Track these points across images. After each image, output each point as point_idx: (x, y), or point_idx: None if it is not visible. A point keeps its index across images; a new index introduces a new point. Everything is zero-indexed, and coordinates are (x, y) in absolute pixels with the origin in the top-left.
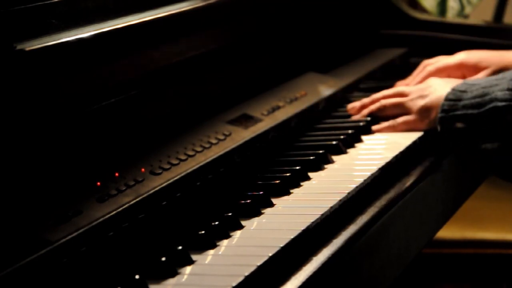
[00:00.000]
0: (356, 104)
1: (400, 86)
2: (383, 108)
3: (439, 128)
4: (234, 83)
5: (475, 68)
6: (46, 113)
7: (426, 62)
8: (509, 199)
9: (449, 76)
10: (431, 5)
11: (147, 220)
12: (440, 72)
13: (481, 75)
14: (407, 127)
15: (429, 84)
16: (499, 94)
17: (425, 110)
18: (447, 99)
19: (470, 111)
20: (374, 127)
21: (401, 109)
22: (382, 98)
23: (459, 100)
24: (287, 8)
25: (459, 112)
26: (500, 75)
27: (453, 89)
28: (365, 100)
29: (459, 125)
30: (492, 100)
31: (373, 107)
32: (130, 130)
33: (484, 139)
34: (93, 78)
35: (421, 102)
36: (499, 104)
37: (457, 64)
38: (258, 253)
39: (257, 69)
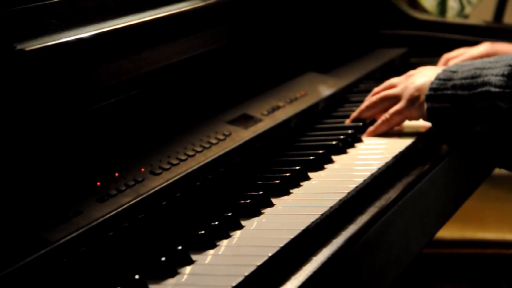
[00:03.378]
0: (354, 114)
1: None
2: (373, 104)
3: (425, 107)
4: (234, 83)
5: None
6: (46, 113)
7: (446, 56)
8: (509, 199)
9: None
10: (431, 5)
11: (147, 220)
12: None
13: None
14: (401, 117)
15: (419, 70)
16: (493, 79)
17: (415, 94)
18: (437, 78)
19: (459, 92)
20: (368, 130)
21: (392, 100)
22: (372, 95)
23: (449, 79)
24: (287, 8)
25: (448, 92)
26: (495, 58)
27: (444, 70)
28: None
29: (446, 105)
30: (485, 83)
31: (362, 106)
32: (130, 130)
33: (471, 122)
34: (93, 78)
35: (411, 86)
36: (492, 89)
37: (483, 55)
38: (258, 253)
39: (257, 69)
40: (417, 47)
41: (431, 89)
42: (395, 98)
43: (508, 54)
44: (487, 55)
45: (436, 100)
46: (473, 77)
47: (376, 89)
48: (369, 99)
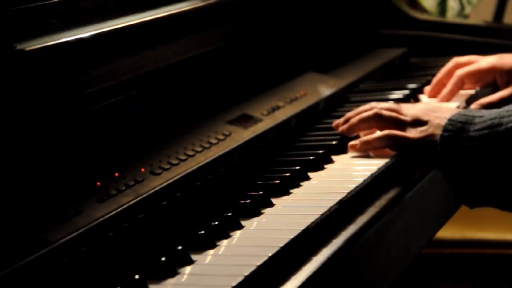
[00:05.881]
0: (340, 119)
1: (396, 104)
2: (377, 117)
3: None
4: (234, 83)
5: (510, 74)
6: (46, 113)
7: (456, 60)
8: None
9: (479, 80)
10: (431, 5)
11: (147, 220)
12: (471, 76)
13: (496, 96)
14: (399, 145)
15: (427, 112)
16: None
17: (423, 140)
18: (445, 129)
19: (476, 143)
20: (351, 144)
21: (395, 125)
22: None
23: (463, 131)
24: (287, 8)
25: (465, 144)
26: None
27: (450, 120)
28: (349, 114)
29: (463, 156)
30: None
31: (369, 113)
32: (130, 130)
33: (495, 172)
34: (93, 78)
35: (418, 130)
36: None
37: (490, 68)
38: (258, 253)
39: (257, 69)
40: (417, 47)
41: (443, 141)
42: (401, 128)
43: None
44: (494, 67)
45: (451, 151)
46: (490, 127)
47: (381, 104)
48: (375, 108)
